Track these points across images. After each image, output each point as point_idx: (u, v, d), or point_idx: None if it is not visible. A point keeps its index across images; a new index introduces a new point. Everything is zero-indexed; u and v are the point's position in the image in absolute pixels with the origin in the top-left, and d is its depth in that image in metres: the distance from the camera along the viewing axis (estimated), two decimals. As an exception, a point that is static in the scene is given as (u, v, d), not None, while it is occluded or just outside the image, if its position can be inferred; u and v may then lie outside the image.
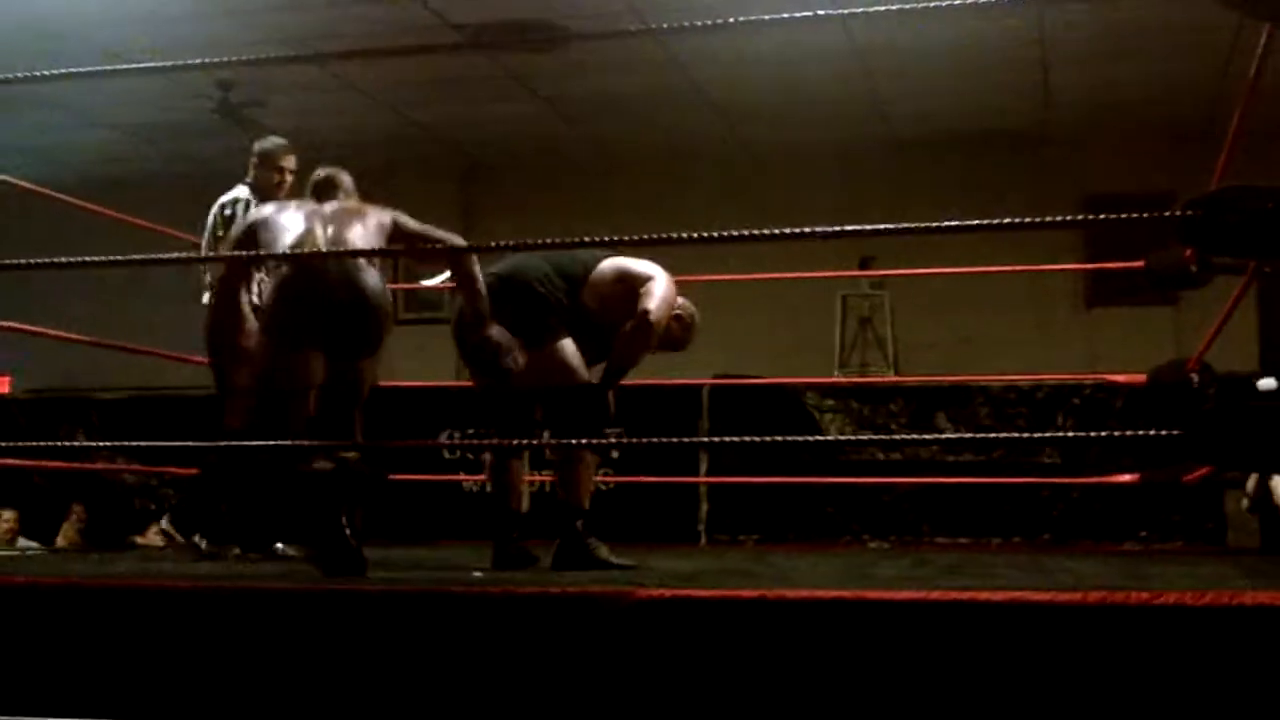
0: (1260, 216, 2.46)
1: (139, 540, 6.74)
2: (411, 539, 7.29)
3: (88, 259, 4.61)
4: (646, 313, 4.37)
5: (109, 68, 4.55)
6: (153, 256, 5.71)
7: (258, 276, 4.76)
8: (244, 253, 4.25)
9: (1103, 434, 3.42)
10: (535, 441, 4.83)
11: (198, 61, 4.43)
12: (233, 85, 8.89)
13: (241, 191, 5.55)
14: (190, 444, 4.43)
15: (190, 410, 7.97)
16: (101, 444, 6.71)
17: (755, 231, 4.37)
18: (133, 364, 5.80)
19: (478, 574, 3.78)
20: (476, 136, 10.27)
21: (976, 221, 2.93)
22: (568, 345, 4.41)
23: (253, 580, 3.30)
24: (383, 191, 11.24)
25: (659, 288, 4.43)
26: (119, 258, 4.65)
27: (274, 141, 5.66)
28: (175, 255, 5.40)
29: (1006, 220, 2.85)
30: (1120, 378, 6.72)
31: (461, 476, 8.00)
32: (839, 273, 8.99)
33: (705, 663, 2.44)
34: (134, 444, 5.68)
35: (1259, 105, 3.99)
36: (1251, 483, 6.28)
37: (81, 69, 4.52)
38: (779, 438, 4.36)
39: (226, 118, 9.17)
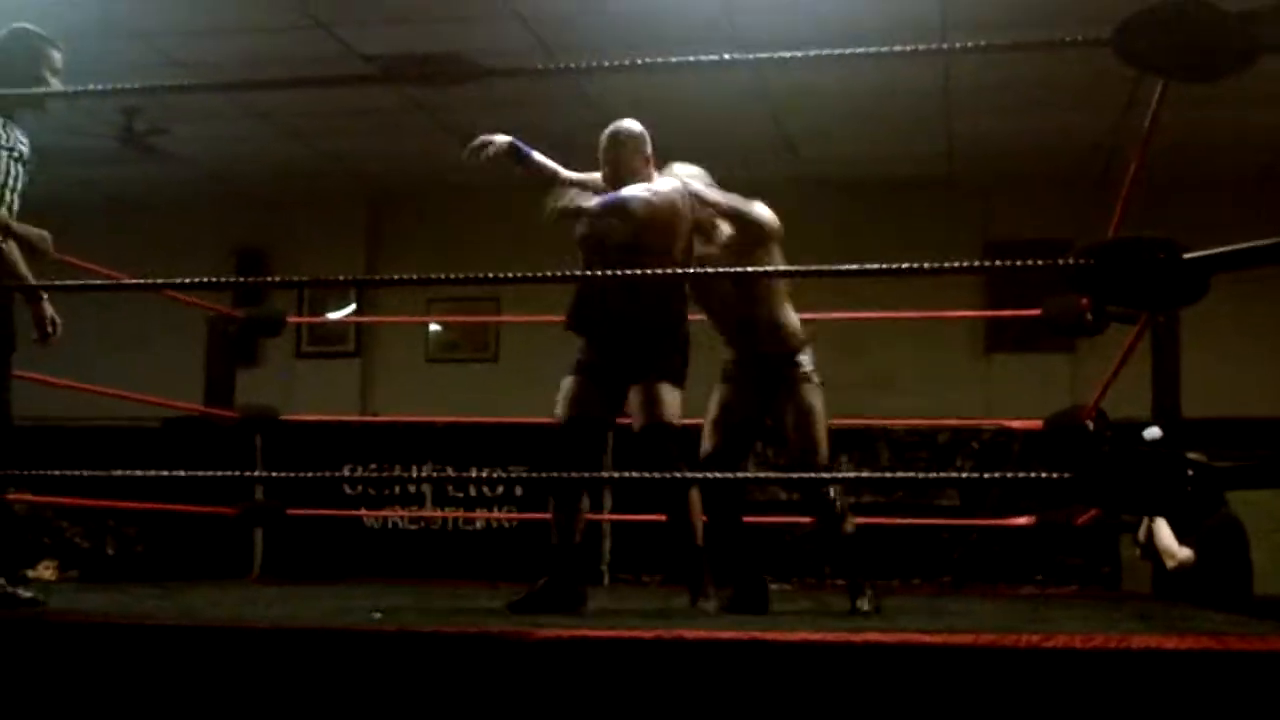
0: (1150, 267, 2.52)
1: (29, 574, 6.59)
2: (311, 577, 7.20)
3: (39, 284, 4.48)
4: None
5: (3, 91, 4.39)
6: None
7: None
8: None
9: (997, 475, 3.47)
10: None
11: (98, 88, 4.34)
12: (136, 112, 8.76)
13: None
14: (86, 474, 4.34)
15: (86, 441, 7.84)
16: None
17: (663, 271, 4.40)
18: (24, 391, 5.65)
19: (377, 615, 3.74)
20: (385, 168, 10.21)
21: (878, 265, 2.97)
22: None
23: (136, 617, 3.24)
24: (289, 220, 11.15)
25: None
26: (67, 283, 4.55)
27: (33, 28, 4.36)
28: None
29: (907, 265, 2.89)
30: (1018, 423, 6.82)
31: (363, 512, 7.93)
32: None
33: (603, 703, 2.43)
34: (25, 473, 5.54)
35: (1153, 157, 4.08)
36: (1143, 530, 6.40)
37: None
38: (682, 475, 4.37)
39: (129, 145, 9.04)
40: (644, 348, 4.45)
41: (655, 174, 4.57)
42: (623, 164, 4.51)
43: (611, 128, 4.59)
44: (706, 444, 4.58)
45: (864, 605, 4.38)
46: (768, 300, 4.54)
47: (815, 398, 4.57)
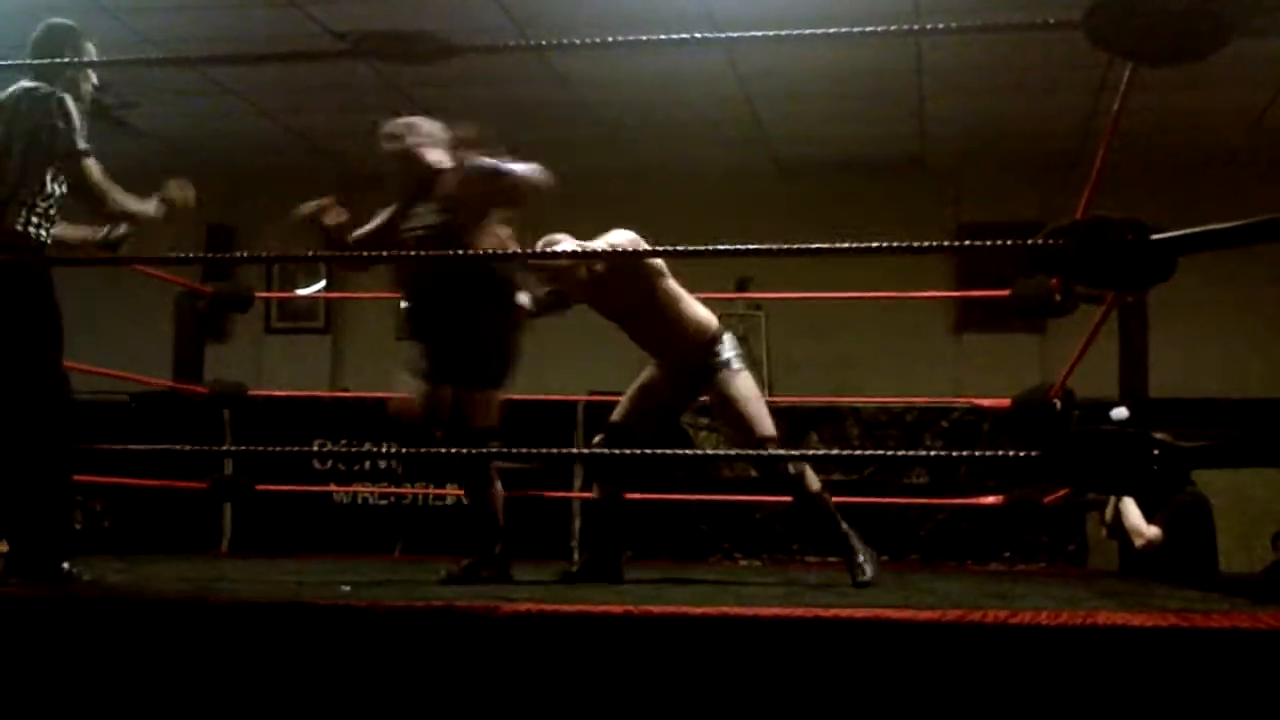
0: (1118, 248, 2.53)
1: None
2: (280, 552, 7.20)
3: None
4: None
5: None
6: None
7: None
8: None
9: (965, 454, 3.49)
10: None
11: (68, 60, 4.32)
12: (105, 86, 8.69)
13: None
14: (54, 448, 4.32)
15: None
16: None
17: (633, 249, 4.40)
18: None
19: (345, 588, 3.74)
20: (356, 145, 10.17)
21: (850, 244, 2.99)
22: None
23: (102, 591, 3.23)
24: (259, 196, 11.12)
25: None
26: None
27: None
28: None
29: (879, 244, 2.91)
30: (987, 402, 6.86)
31: (332, 488, 7.92)
32: (719, 295, 9.05)
33: (571, 678, 2.44)
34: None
35: (1124, 139, 4.10)
36: (1109, 509, 6.45)
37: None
38: (652, 451, 4.38)
39: (98, 119, 8.97)
40: (471, 355, 4.56)
41: (446, 155, 4.71)
42: (408, 156, 4.79)
43: (385, 127, 4.80)
44: (615, 413, 4.63)
45: (864, 576, 4.36)
46: (669, 308, 4.53)
47: (740, 384, 4.54)
